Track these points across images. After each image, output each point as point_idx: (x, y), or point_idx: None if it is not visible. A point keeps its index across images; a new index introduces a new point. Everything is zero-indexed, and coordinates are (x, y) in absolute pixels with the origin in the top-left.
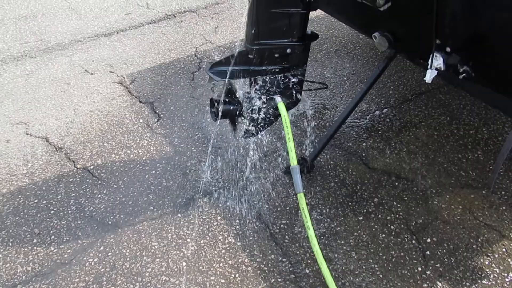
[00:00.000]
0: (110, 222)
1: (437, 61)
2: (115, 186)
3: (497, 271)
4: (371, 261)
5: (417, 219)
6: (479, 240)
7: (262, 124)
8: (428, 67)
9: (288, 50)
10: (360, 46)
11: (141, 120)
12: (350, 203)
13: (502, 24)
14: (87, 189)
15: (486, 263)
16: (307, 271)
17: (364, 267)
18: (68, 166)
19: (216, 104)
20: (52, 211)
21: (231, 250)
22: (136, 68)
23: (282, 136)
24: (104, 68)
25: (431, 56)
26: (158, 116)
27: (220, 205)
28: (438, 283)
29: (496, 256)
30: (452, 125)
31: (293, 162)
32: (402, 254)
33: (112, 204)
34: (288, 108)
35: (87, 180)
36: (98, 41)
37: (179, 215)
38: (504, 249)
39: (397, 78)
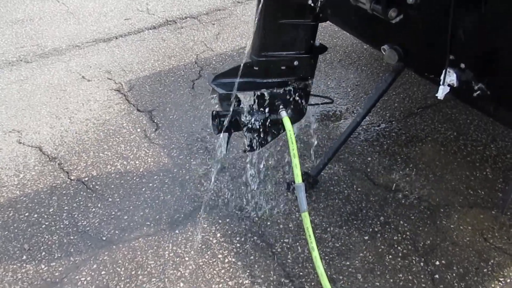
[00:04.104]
0: (104, 238)
1: (450, 77)
2: (110, 199)
3: None
4: (378, 284)
5: (425, 240)
6: (490, 263)
7: (265, 138)
8: (441, 83)
9: (296, 63)
10: (364, 56)
11: (138, 130)
12: (355, 221)
13: None
14: (81, 202)
15: None
16: None
17: None
18: (62, 177)
19: (218, 117)
20: (44, 226)
21: (231, 270)
22: (135, 75)
23: (284, 150)
24: (101, 74)
25: (444, 71)
26: (157, 125)
27: (220, 221)
28: None
29: (508, 281)
30: (459, 140)
31: (298, 179)
32: (410, 277)
33: (107, 219)
34: (293, 122)
35: (81, 193)
36: (96, 47)
37: (177, 231)
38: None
39: (402, 90)
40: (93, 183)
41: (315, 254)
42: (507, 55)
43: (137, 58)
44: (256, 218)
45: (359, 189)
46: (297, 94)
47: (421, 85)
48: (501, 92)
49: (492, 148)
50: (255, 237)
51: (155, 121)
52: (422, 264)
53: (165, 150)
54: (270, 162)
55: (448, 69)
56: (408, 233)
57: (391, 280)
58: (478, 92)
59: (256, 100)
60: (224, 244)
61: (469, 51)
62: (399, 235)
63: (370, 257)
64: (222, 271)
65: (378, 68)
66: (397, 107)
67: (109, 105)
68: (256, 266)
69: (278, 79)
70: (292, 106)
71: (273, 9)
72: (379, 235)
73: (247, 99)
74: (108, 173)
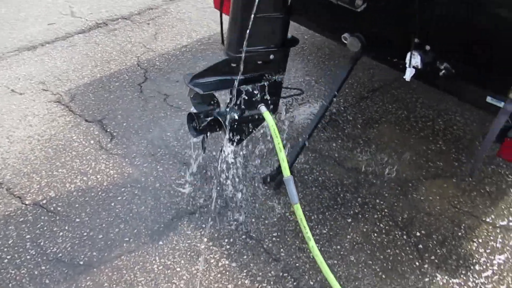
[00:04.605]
0: (81, 262)
1: (415, 59)
2: (77, 220)
3: (485, 255)
4: (371, 262)
5: (402, 214)
6: (462, 227)
7: (243, 134)
8: (407, 65)
9: (271, 57)
10: (307, 46)
11: (92, 142)
12: (335, 206)
13: (482, 21)
14: (45, 228)
15: (474, 248)
16: (312, 282)
17: (365, 270)
18: (14, 203)
19: (196, 118)
20: (6, 260)
21: (227, 273)
22: (74, 84)
23: (254, 145)
24: (34, 86)
25: (409, 54)
26: (111, 135)
27: (204, 225)
28: (437, 275)
29: (481, 240)
30: (410, 118)
31: (286, 172)
32: (397, 251)
33: (79, 241)
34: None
35: (42, 217)
36: (21, 56)
37: (161, 242)
38: (485, 233)
39: (350, 76)
40: (54, 205)
41: (312, 243)
42: (471, 36)
43: (72, 66)
44: (240, 217)
45: (331, 175)
46: (272, 87)
47: (365, 70)
48: (466, 70)
49: (440, 122)
50: (243, 236)
51: (108, 130)
52: (405, 237)
53: (126, 160)
54: (240, 159)
55: (413, 52)
56: (385, 210)
57: (381, 257)
58: (443, 72)
59: (234, 98)
60: (214, 248)
61: (434, 33)
62: (378, 213)
63: (357, 238)
64: (219, 275)
65: (322, 56)
66: (348, 92)
67: (51, 118)
68: (251, 264)
69: (254, 74)
70: (268, 100)
71: (251, 4)
72: (360, 216)
73: (222, 97)
74: (68, 192)
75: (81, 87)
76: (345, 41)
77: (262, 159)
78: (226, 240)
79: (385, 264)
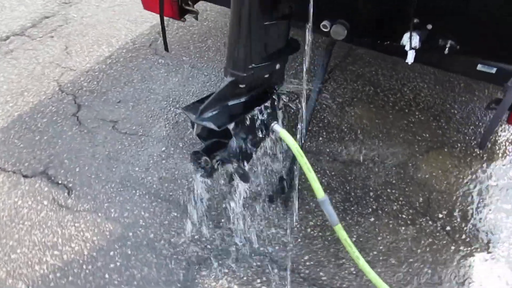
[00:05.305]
0: None
1: (413, 40)
2: None
3: (505, 219)
4: (412, 260)
5: (417, 199)
6: (476, 195)
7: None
8: (408, 48)
9: (277, 66)
10: None
11: (45, 202)
12: (352, 207)
13: None
14: None
15: (498, 216)
16: None
17: (411, 270)
18: None
19: (207, 156)
20: None
21: None
22: None
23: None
24: None
25: (409, 35)
26: (66, 187)
27: (226, 270)
28: (475, 253)
29: (494, 207)
30: (378, 94)
31: (320, 194)
32: (430, 240)
33: None
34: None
35: None
36: None
37: None
38: (496, 197)
39: (299, 63)
40: None
41: (361, 262)
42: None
43: None
44: (261, 249)
45: (332, 173)
46: (275, 100)
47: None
48: (471, 45)
49: (407, 92)
50: (275, 270)
51: (60, 182)
52: (430, 222)
53: (99, 214)
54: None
55: (412, 33)
56: (401, 198)
57: (419, 251)
58: (447, 48)
59: (245, 122)
60: None
61: (436, 11)
62: (395, 204)
63: (388, 237)
64: None
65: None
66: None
67: None
68: None
69: (259, 90)
70: (272, 113)
71: (259, 11)
72: (380, 212)
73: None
74: (42, 277)
75: None
76: (325, 30)
77: (260, 175)
78: (258, 281)
79: (425, 257)
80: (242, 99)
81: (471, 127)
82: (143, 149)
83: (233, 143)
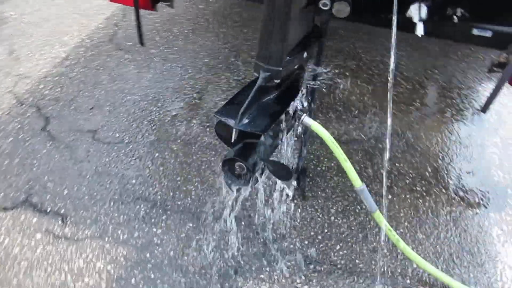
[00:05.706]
0: None
1: (423, 10)
2: None
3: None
4: (437, 232)
5: (426, 169)
6: (477, 157)
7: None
8: (418, 20)
9: (305, 55)
10: (225, 22)
11: (38, 236)
12: (368, 188)
13: None
14: None
15: (501, 174)
16: (408, 281)
17: (442, 245)
18: None
19: (244, 162)
20: None
21: None
22: None
23: None
24: None
25: (415, 7)
26: (58, 214)
27: (261, 275)
28: (491, 214)
29: (498, 163)
30: (362, 69)
31: (357, 183)
32: (448, 208)
33: None
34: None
35: None
36: None
37: None
38: (499, 154)
39: None
40: None
41: (402, 244)
42: None
43: None
44: (291, 246)
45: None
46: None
47: None
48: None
49: (388, 62)
50: (311, 266)
51: (49, 210)
52: (444, 191)
53: (106, 239)
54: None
55: (420, 4)
56: (410, 171)
57: (442, 221)
58: (458, 16)
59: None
60: None
61: None
62: (407, 178)
63: (409, 212)
64: None
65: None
66: None
67: None
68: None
69: (288, 83)
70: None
71: None
72: (395, 188)
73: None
74: None
75: None
76: (325, 8)
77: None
78: (298, 280)
79: (449, 226)
80: (276, 95)
81: (455, 90)
82: (135, 158)
83: (266, 140)
